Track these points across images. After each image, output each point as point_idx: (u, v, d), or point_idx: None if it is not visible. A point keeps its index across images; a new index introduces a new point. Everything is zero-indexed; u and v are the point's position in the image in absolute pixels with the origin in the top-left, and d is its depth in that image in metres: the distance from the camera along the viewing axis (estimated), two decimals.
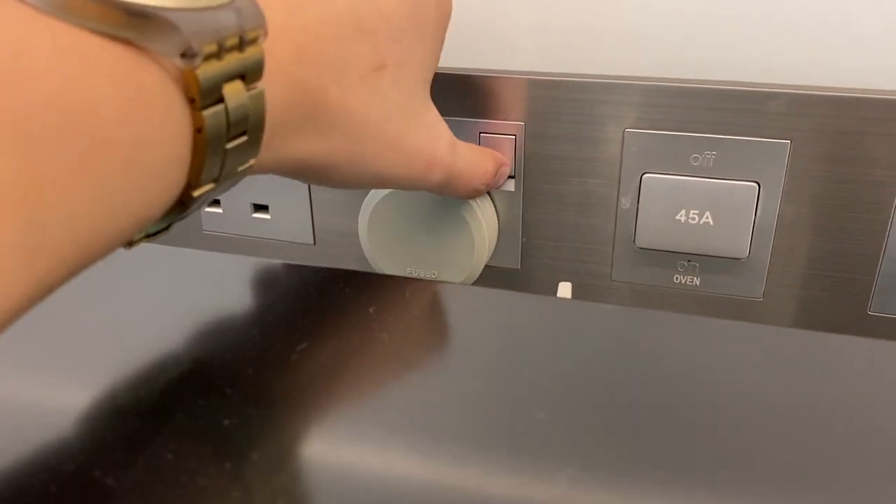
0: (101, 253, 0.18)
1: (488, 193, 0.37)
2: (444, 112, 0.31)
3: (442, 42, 0.30)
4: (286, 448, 0.19)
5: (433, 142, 0.29)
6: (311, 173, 0.26)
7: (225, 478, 0.18)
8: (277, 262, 0.28)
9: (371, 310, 0.24)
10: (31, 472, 0.18)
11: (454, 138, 0.31)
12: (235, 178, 0.21)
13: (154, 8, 0.17)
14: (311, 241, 0.41)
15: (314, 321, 0.24)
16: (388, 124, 0.26)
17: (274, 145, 0.22)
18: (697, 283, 0.36)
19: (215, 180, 0.20)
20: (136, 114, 0.17)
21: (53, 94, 0.15)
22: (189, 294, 0.26)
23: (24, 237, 0.15)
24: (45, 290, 0.16)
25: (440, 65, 0.35)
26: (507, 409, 0.20)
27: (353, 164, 0.26)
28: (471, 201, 0.35)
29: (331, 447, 0.19)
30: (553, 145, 0.35)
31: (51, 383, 0.22)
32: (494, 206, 0.37)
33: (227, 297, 0.26)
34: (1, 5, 0.16)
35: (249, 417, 0.20)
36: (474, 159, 0.33)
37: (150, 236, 0.21)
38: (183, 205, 0.20)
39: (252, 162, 0.21)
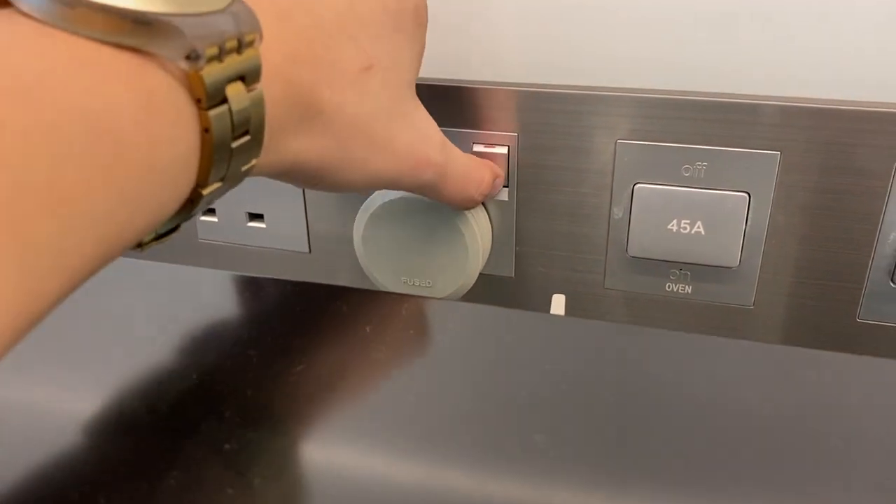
0: (117, 253, 0.19)
1: (482, 203, 0.37)
2: (437, 123, 0.31)
3: (422, 49, 0.31)
4: (286, 471, 0.19)
5: (423, 141, 0.30)
6: (305, 175, 0.27)
7: (228, 502, 0.18)
8: (273, 278, 0.28)
9: (367, 328, 0.24)
10: (35, 499, 0.18)
11: (446, 140, 0.31)
12: (239, 177, 0.22)
13: (159, 14, 0.18)
14: (307, 250, 0.41)
15: (311, 340, 0.24)
16: (378, 123, 0.27)
17: (273, 146, 0.23)
18: (689, 291, 0.36)
19: (221, 179, 0.21)
20: (150, 117, 0.18)
21: (76, 104, 0.16)
22: (186, 312, 0.26)
23: (55, 240, 0.16)
24: (70, 290, 0.17)
25: (435, 76, 0.36)
26: (505, 429, 0.20)
27: (346, 164, 0.27)
28: (465, 210, 0.35)
29: (331, 467, 0.20)
30: (546, 156, 0.35)
31: (50, 406, 0.22)
32: (488, 216, 0.37)
33: (224, 315, 0.26)
34: (13, 23, 0.17)
35: (249, 441, 0.20)
36: (469, 165, 0.33)
37: (159, 238, 0.22)
38: (192, 203, 0.21)
39: (254, 162, 0.22)
